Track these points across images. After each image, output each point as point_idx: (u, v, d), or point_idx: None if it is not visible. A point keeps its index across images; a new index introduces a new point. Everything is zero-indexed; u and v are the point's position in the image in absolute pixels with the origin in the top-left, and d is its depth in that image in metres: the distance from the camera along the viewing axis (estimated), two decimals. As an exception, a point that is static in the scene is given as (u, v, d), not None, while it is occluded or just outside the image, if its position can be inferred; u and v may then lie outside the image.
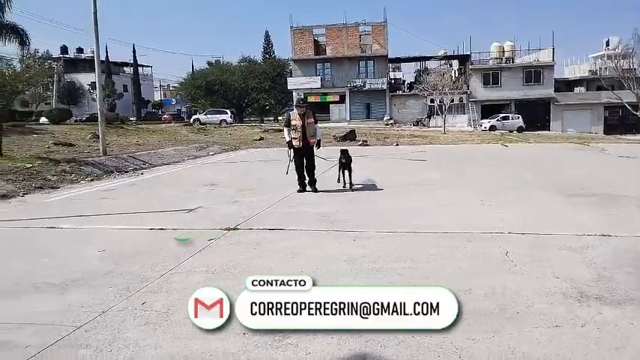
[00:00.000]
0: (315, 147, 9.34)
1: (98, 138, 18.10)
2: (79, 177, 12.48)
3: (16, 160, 13.29)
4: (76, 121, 36.90)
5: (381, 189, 9.47)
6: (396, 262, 4.77)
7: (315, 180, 9.38)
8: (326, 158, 10.65)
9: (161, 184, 11.87)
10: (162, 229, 6.48)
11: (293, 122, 9.18)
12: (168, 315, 3.65)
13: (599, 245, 5.24)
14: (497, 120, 40.58)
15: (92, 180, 12.41)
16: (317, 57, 47.57)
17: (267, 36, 62.25)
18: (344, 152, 9.58)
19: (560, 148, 21.53)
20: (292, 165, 9.32)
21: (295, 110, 9.36)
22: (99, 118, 17.95)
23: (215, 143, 24.78)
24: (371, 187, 9.75)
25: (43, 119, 33.64)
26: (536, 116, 43.61)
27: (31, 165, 12.51)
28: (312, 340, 3.17)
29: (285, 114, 9.81)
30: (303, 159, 9.24)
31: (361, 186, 9.67)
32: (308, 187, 9.28)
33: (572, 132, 39.76)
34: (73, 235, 6.49)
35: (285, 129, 9.42)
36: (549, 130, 42.41)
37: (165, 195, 9.89)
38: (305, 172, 9.28)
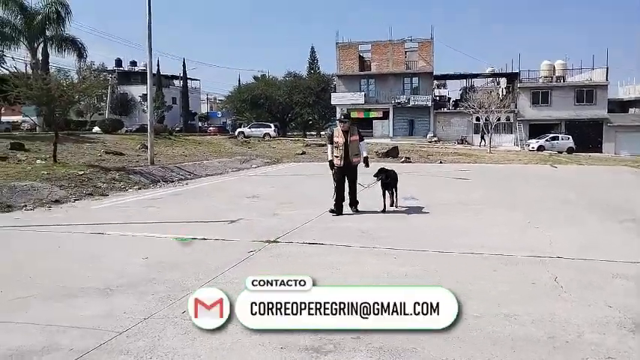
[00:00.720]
0: (363, 165, 8.66)
1: (147, 148, 18.66)
2: (128, 185, 12.87)
3: (69, 167, 13.84)
4: (127, 131, 38.18)
5: (423, 207, 9.31)
6: (439, 283, 4.64)
7: (357, 201, 8.69)
8: (366, 186, 9.13)
9: (204, 194, 12.08)
10: (205, 238, 6.56)
11: (335, 139, 8.49)
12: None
13: (656, 274, 4.95)
14: (546, 140, 39.38)
15: (139, 188, 12.76)
16: (361, 73, 47.66)
17: (312, 51, 62.95)
18: (384, 171, 8.80)
19: (612, 170, 20.68)
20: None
21: (338, 126, 8.78)
22: (148, 129, 18.52)
23: (258, 156, 25.11)
24: (413, 205, 9.60)
25: (96, 129, 34.98)
26: (587, 137, 42.09)
27: (82, 172, 12.99)
28: (350, 358, 3.11)
29: (329, 129, 9.48)
30: (345, 178, 8.53)
31: (404, 207, 9.06)
32: (347, 209, 8.56)
33: (625, 154, 38.10)
34: (119, 241, 6.66)
35: (329, 146, 8.70)
36: (601, 152, 40.80)
37: (208, 206, 10.05)
38: (346, 193, 8.60)
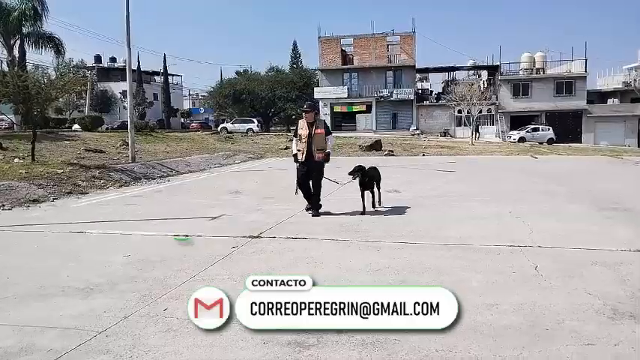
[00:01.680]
0: (324, 162, 7.92)
1: (128, 145, 18.43)
2: (108, 183, 12.70)
3: (48, 165, 13.61)
4: (107, 128, 37.70)
5: (406, 200, 9.34)
6: (422, 275, 4.67)
7: (320, 204, 8.00)
8: (338, 181, 8.77)
9: (187, 191, 11.98)
10: (187, 235, 6.50)
11: (299, 131, 7.86)
12: (189, 322, 3.61)
13: (633, 261, 5.04)
14: (527, 131, 39.83)
15: (120, 186, 12.60)
16: (344, 67, 47.65)
17: (295, 46, 62.70)
18: (361, 169, 7.97)
19: (592, 160, 21.00)
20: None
21: (303, 117, 7.97)
22: (129, 126, 18.29)
23: (241, 152, 24.98)
24: (396, 198, 9.63)
25: (75, 126, 34.44)
26: (567, 128, 42.69)
27: (62, 170, 12.78)
28: (333, 352, 3.10)
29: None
30: (308, 175, 7.87)
31: (387, 207, 8.33)
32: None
33: (604, 144, 38.71)
34: (100, 240, 6.57)
35: (294, 139, 8.12)
36: (581, 142, 41.41)
37: (190, 202, 9.96)
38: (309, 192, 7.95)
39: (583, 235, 6.22)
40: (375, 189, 8.25)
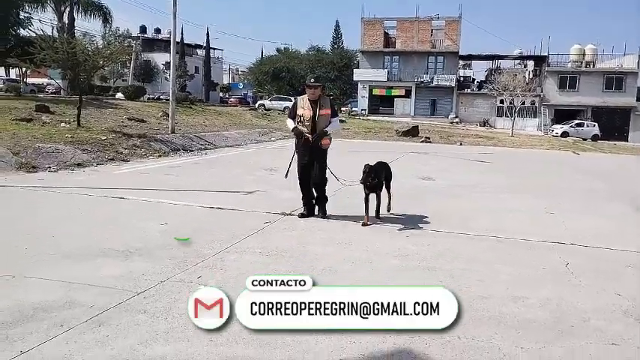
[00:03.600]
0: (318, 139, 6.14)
1: (168, 116, 18.83)
2: (148, 152, 13.07)
3: (92, 131, 14.08)
4: (149, 98, 38.52)
5: (439, 188, 9.30)
6: (450, 263, 4.70)
7: (326, 198, 6.46)
8: (347, 184, 6.80)
9: (223, 165, 12.23)
10: (221, 208, 6.70)
11: (300, 111, 6.14)
12: (221, 290, 3.77)
13: (669, 266, 4.94)
14: (571, 126, 38.65)
15: (160, 156, 12.96)
16: (385, 50, 47.05)
17: (337, 26, 62.03)
18: (370, 170, 6.02)
19: (637, 160, 20.29)
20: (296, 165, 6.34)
21: (306, 95, 6.18)
22: (170, 98, 18.66)
23: (277, 129, 25.16)
24: (429, 185, 9.60)
25: (119, 95, 35.35)
26: (614, 125, 41.21)
27: (105, 137, 13.21)
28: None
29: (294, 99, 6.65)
30: (311, 167, 6.22)
31: (400, 214, 6.56)
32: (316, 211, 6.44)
33: (652, 144, 37.28)
34: (139, 206, 6.83)
35: (289, 121, 6.38)
36: (627, 140, 39.93)
37: (226, 176, 10.19)
38: (312, 186, 6.35)
39: (619, 236, 6.10)
40: (385, 191, 6.56)
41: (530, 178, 11.98)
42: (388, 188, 6.63)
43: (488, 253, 5.10)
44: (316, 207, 6.46)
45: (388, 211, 6.56)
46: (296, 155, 6.32)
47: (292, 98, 44.97)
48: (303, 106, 6.15)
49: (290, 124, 6.32)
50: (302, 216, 6.34)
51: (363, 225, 5.99)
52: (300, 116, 6.15)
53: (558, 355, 2.99)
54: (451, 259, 4.84)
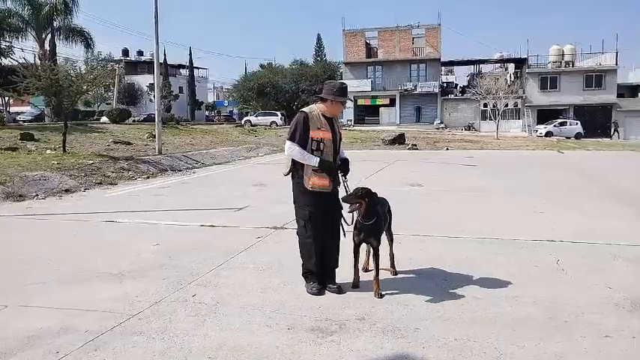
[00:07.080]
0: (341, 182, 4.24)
1: (154, 137, 18.79)
2: (136, 174, 13.02)
3: (78, 156, 14.00)
4: (134, 120, 38.39)
5: (428, 194, 9.38)
6: (443, 267, 4.74)
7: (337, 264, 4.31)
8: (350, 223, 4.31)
9: (212, 183, 12.21)
10: (213, 225, 6.70)
11: (315, 134, 4.06)
12: (217, 307, 3.78)
13: (657, 257, 5.02)
14: (554, 126, 39.13)
15: (148, 177, 12.91)
16: (368, 60, 47.50)
17: (319, 39, 62.84)
18: (366, 195, 4.05)
19: (620, 156, 20.59)
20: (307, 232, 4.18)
21: (317, 108, 4.21)
22: (156, 119, 18.63)
23: (265, 145, 25.21)
24: (417, 191, 9.67)
25: (103, 118, 35.19)
26: (596, 123, 41.76)
27: (92, 162, 13.15)
28: (354, 338, 3.22)
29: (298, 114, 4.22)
30: (330, 219, 4.16)
31: (403, 272, 4.98)
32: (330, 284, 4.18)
33: (635, 140, 37.81)
34: (130, 229, 6.80)
35: (295, 148, 4.08)
36: (610, 137, 40.52)
37: (215, 193, 10.18)
38: (326, 245, 4.20)
39: (606, 231, 6.20)
40: (389, 240, 4.62)
41: (517, 180, 12.11)
42: (389, 236, 4.63)
43: (480, 255, 5.15)
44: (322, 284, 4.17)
45: (392, 267, 4.59)
46: (304, 203, 4.18)
47: (278, 113, 45.38)
48: (320, 125, 4.11)
49: (300, 154, 4.06)
50: (318, 290, 4.09)
51: (353, 286, 4.16)
52: (319, 142, 4.07)
53: (554, 351, 3.03)
54: (442, 262, 4.87)
